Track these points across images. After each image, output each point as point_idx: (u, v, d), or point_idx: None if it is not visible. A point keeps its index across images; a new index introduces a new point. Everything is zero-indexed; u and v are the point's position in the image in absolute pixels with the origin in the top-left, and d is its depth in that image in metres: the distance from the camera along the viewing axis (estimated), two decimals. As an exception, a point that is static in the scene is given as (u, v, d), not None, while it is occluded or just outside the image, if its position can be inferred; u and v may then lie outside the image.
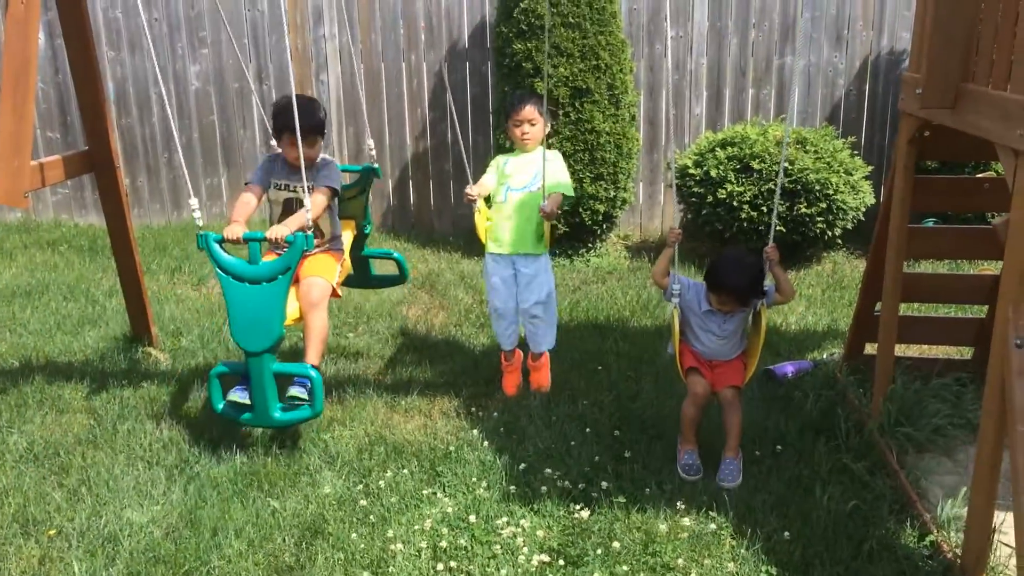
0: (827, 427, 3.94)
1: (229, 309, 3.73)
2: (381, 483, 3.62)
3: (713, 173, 6.33)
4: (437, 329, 5.37)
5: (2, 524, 3.38)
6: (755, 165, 6.24)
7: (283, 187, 4.16)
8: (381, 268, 5.08)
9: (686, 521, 3.34)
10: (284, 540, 3.27)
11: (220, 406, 3.83)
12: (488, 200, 4.44)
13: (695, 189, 6.45)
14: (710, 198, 6.35)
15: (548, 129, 4.36)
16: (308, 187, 3.85)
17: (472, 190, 4.25)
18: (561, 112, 6.40)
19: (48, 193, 7.89)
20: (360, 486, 3.62)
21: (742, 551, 3.17)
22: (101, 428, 4.09)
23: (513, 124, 4.29)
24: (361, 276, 4.88)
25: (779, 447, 3.84)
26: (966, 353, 4.59)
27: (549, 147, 4.37)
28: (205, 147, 7.73)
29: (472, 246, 7.18)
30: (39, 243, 7.18)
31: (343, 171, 4.60)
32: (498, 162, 4.42)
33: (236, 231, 3.78)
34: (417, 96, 7.51)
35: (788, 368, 4.58)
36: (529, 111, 4.25)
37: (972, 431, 3.75)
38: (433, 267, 6.66)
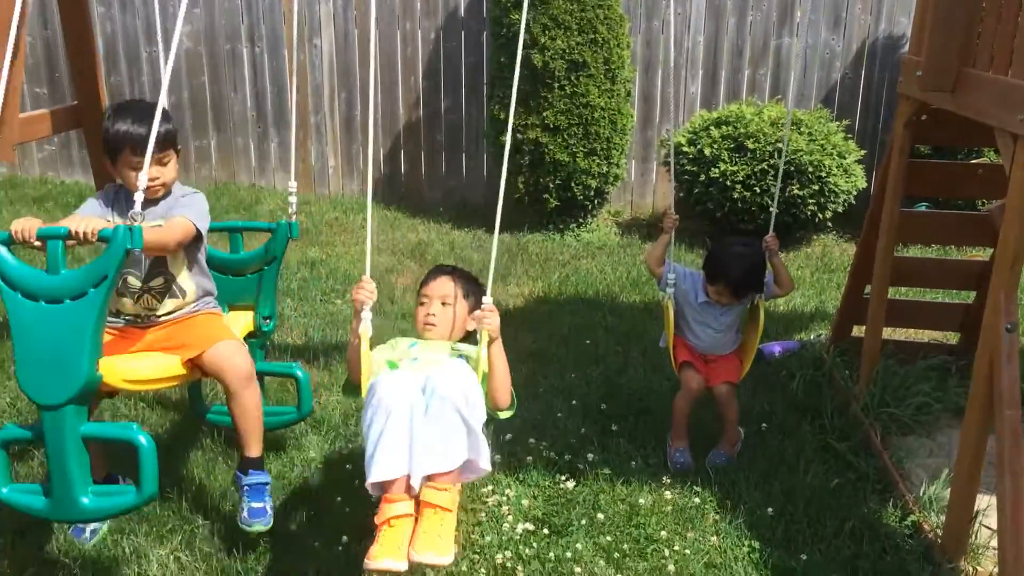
0: (812, 407, 3.96)
1: (14, 340, 2.46)
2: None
3: (707, 152, 6.32)
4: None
5: (-16, 478, 3.35)
6: (749, 145, 6.23)
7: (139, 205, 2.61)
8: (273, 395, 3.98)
9: (670, 495, 3.36)
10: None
11: (4, 490, 2.57)
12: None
13: (688, 167, 6.44)
14: (703, 177, 6.34)
15: (471, 326, 2.81)
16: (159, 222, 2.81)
17: (368, 284, 2.71)
18: (556, 85, 6.36)
19: (34, 149, 7.79)
20: (346, 451, 3.62)
21: (725, 525, 3.20)
22: (85, 386, 4.06)
23: (418, 299, 2.93)
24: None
25: (764, 425, 3.86)
26: (952, 338, 4.63)
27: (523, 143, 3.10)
28: (194, 109, 7.64)
29: (462, 217, 7.16)
30: (24, 199, 7.10)
31: (245, 228, 3.57)
32: (396, 344, 2.87)
33: (29, 224, 2.53)
34: (411, 64, 7.44)
35: (775, 348, 4.60)
36: (439, 286, 2.87)
37: (956, 414, 3.78)
38: (423, 237, 6.64)
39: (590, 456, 3.58)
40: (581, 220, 6.90)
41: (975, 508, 2.98)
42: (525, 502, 3.30)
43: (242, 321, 3.30)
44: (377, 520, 2.36)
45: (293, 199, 3.46)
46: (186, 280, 3.00)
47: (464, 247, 6.35)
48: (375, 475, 2.36)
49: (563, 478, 3.45)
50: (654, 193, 7.58)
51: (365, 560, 2.30)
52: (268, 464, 3.49)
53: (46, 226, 2.53)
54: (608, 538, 3.09)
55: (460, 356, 2.71)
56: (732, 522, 3.21)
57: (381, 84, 7.48)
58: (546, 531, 3.13)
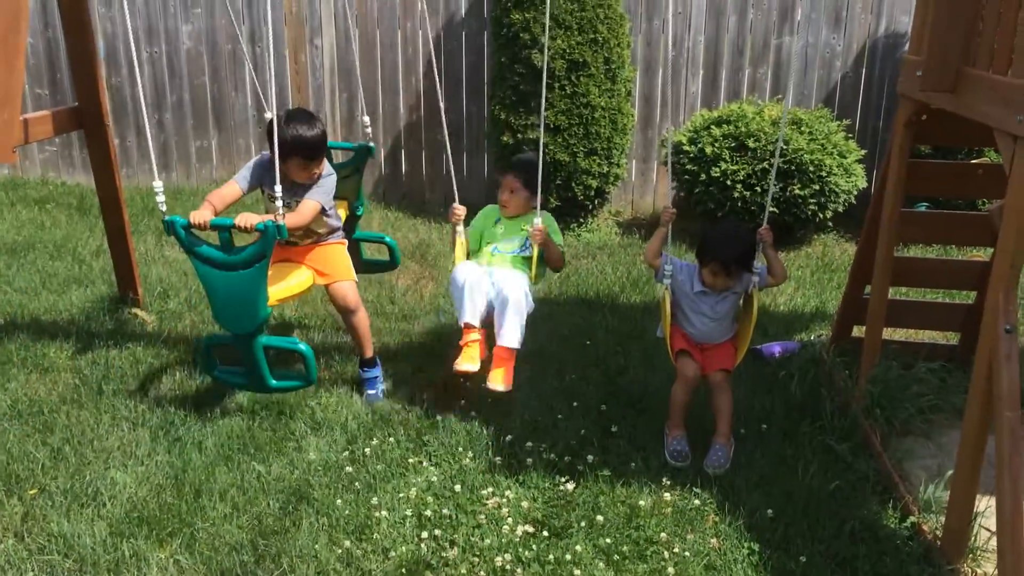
0: (812, 408, 3.95)
1: (208, 295, 3.64)
2: (367, 450, 3.63)
3: (707, 151, 6.31)
4: (426, 299, 5.36)
5: (-15, 481, 3.37)
6: (750, 144, 6.23)
7: (290, 207, 3.79)
8: (371, 252, 4.95)
9: (670, 496, 3.36)
10: (269, 504, 3.27)
11: (216, 371, 3.82)
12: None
13: (688, 167, 6.43)
14: (703, 176, 6.33)
15: (535, 202, 4.01)
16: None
17: (460, 209, 4.12)
18: (557, 85, 6.36)
19: (36, 151, 7.80)
20: (346, 453, 3.62)
21: (725, 527, 3.19)
22: (86, 388, 4.07)
23: (499, 189, 4.20)
24: (352, 260, 4.52)
25: (764, 426, 3.86)
26: (952, 338, 4.62)
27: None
28: (196, 109, 7.65)
29: (464, 218, 7.14)
30: (26, 200, 7.10)
31: (336, 148, 4.56)
32: (487, 214, 4.26)
33: (204, 215, 3.55)
34: (412, 64, 7.44)
35: (775, 348, 4.59)
36: (510, 181, 4.14)
37: (956, 415, 3.77)
38: (424, 237, 6.63)
39: (590, 458, 3.58)
40: (582, 220, 6.90)
41: (975, 510, 2.98)
42: (525, 504, 3.30)
43: (341, 210, 4.34)
44: (461, 343, 3.80)
45: (368, 128, 4.48)
46: (320, 225, 4.05)
47: (465, 247, 6.34)
48: (464, 318, 3.81)
49: (563, 480, 3.45)
50: (655, 193, 7.58)
51: (454, 365, 3.73)
52: (268, 463, 3.51)
53: (217, 217, 3.58)
54: (608, 540, 3.09)
55: (525, 241, 4.04)
56: (732, 524, 3.21)
57: (382, 84, 7.47)
58: (546, 533, 3.13)
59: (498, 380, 3.71)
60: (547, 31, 4.18)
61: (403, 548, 3.05)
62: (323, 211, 3.94)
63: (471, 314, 3.81)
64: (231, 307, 3.60)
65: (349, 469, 3.49)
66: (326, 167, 3.98)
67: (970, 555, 2.99)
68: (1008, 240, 2.75)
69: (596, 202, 6.90)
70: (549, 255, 4.01)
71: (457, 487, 3.37)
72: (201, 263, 3.56)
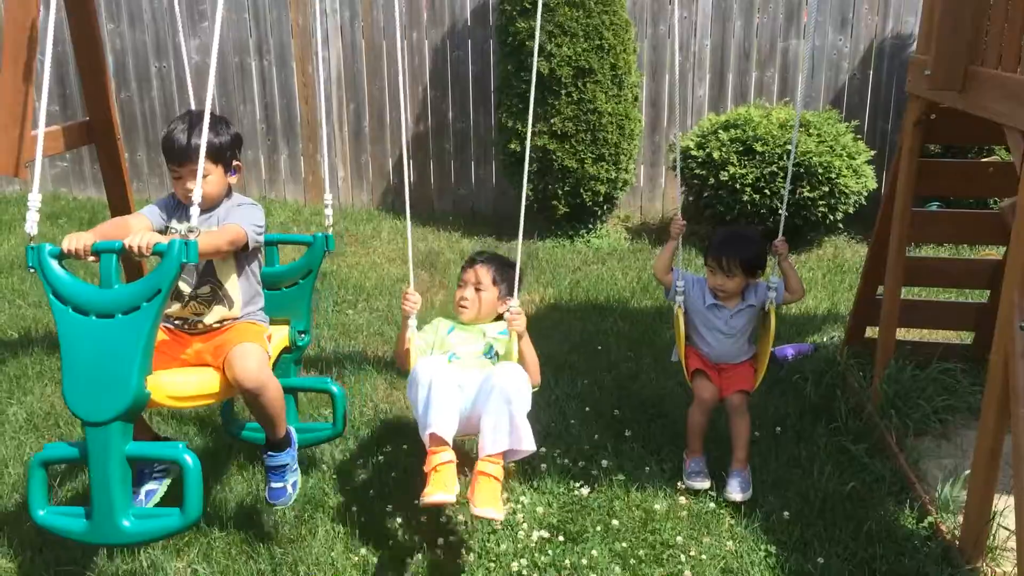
0: (827, 409, 3.94)
1: (63, 355, 2.47)
2: (381, 458, 3.63)
3: (715, 155, 6.31)
4: (437, 308, 5.36)
5: (2, 493, 3.39)
6: (758, 148, 6.22)
7: (178, 232, 2.70)
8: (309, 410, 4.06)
9: (685, 500, 3.35)
10: (285, 512, 3.27)
11: (41, 512, 2.53)
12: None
13: (697, 171, 6.43)
14: (712, 180, 6.33)
15: (504, 307, 3.20)
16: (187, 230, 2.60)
17: (413, 296, 3.14)
18: (563, 92, 6.37)
19: (47, 166, 7.85)
20: (360, 460, 3.62)
21: (741, 530, 3.18)
22: (100, 400, 4.08)
23: (459, 284, 3.33)
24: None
25: (779, 428, 3.84)
26: (966, 338, 4.60)
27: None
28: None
29: (472, 225, 7.18)
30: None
31: (283, 241, 3.63)
32: (436, 326, 3.32)
33: (83, 239, 2.57)
34: (418, 74, 7.47)
35: (788, 351, 4.58)
36: (478, 272, 3.25)
37: (971, 414, 3.76)
38: (433, 246, 6.65)
39: (604, 463, 3.58)
40: (591, 226, 6.90)
41: (992, 509, 2.96)
42: (540, 509, 3.29)
43: (277, 335, 3.25)
44: (426, 468, 2.78)
45: (329, 211, 3.45)
46: (234, 288, 2.99)
47: (474, 255, 6.35)
48: (431, 428, 2.79)
49: (577, 485, 3.44)
50: (663, 197, 7.58)
51: (421, 497, 2.73)
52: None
53: (101, 240, 2.55)
54: (623, 544, 3.09)
55: (490, 347, 3.17)
56: (748, 526, 3.20)
57: (388, 94, 7.50)
58: (561, 538, 3.13)
59: (491, 502, 2.71)
60: (536, 38, 4.12)
61: (419, 555, 3.05)
62: (246, 249, 2.93)
63: (441, 423, 2.79)
64: (93, 373, 2.42)
65: (363, 477, 3.50)
66: (242, 197, 3.09)
67: (989, 554, 2.97)
68: (1021, 237, 2.74)
69: (605, 208, 6.91)
70: (524, 356, 3.05)
71: (511, 468, 3.35)
72: (64, 306, 2.50)
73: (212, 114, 2.75)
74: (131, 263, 2.79)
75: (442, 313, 3.57)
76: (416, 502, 3.05)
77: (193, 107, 2.70)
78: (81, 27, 4.27)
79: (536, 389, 3.07)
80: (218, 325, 2.99)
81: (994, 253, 5.42)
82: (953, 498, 3.24)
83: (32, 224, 2.71)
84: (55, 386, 4.23)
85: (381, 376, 4.36)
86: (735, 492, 3.37)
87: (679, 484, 3.44)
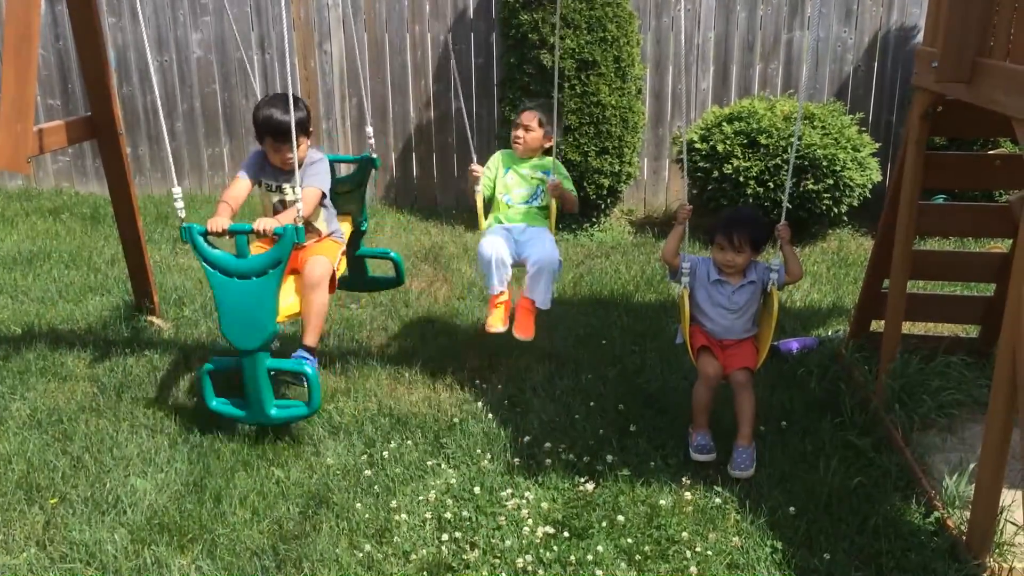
0: (832, 404, 3.93)
1: (218, 305, 3.56)
2: (385, 454, 3.62)
3: (719, 148, 6.29)
4: (440, 302, 5.35)
5: (6, 490, 3.38)
6: (762, 140, 6.19)
7: (272, 188, 3.98)
8: (376, 269, 4.93)
9: (691, 495, 3.34)
10: (288, 509, 3.27)
11: (213, 403, 3.70)
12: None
13: (701, 164, 6.40)
14: (716, 173, 6.31)
15: (551, 142, 4.27)
16: (297, 189, 3.68)
17: (477, 168, 4.22)
18: (567, 85, 6.35)
19: (49, 161, 7.84)
20: (364, 456, 3.62)
21: (747, 525, 3.17)
22: (104, 396, 4.08)
23: (513, 126, 4.32)
24: (356, 277, 4.67)
25: (784, 423, 3.83)
26: (972, 331, 4.58)
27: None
28: (207, 116, 7.67)
29: (475, 220, 7.14)
30: (40, 211, 7.14)
31: (338, 161, 4.43)
32: (497, 164, 4.35)
33: (221, 223, 3.57)
34: (421, 67, 7.44)
35: (793, 344, 4.56)
36: (527, 116, 4.25)
37: (978, 408, 3.74)
38: (436, 240, 6.63)
39: (609, 458, 3.57)
40: (594, 219, 6.88)
41: (1000, 504, 2.94)
42: (545, 505, 3.28)
43: (345, 225, 4.33)
44: (490, 305, 4.09)
45: (371, 140, 4.45)
46: (320, 222, 4.03)
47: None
48: (492, 289, 4.05)
49: (582, 480, 3.43)
50: (667, 191, 7.55)
51: (485, 326, 4.05)
52: (287, 468, 3.51)
53: (235, 223, 3.57)
54: (629, 540, 3.08)
55: (535, 192, 4.25)
56: (754, 522, 3.19)
57: (392, 88, 7.48)
58: (566, 534, 3.12)
59: (523, 330, 4.03)
60: (557, 31, 4.16)
61: (423, 551, 3.05)
62: (322, 198, 3.94)
63: (498, 283, 4.03)
64: (240, 318, 3.51)
65: (368, 473, 3.49)
66: (313, 154, 3.97)
67: (996, 549, 2.96)
68: (1029, 230, 2.72)
69: (609, 201, 6.88)
70: (564, 204, 4.21)
71: (476, 489, 3.36)
72: (214, 271, 3.52)
73: (293, 95, 3.71)
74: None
75: (447, 309, 4.52)
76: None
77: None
78: (82, 22, 4.26)
79: (576, 210, 4.34)
80: (309, 242, 3.91)
81: (1001, 246, 5.40)
82: (960, 493, 3.23)
83: (181, 210, 3.65)
84: (59, 382, 4.22)
85: (385, 371, 4.35)
86: (739, 468, 3.44)
87: (684, 479, 3.43)
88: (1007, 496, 2.99)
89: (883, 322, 4.08)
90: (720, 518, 3.22)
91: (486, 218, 4.30)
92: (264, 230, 3.54)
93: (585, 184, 6.54)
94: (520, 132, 4.24)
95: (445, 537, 3.10)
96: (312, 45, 7.44)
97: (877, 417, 3.80)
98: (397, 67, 7.44)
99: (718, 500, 3.31)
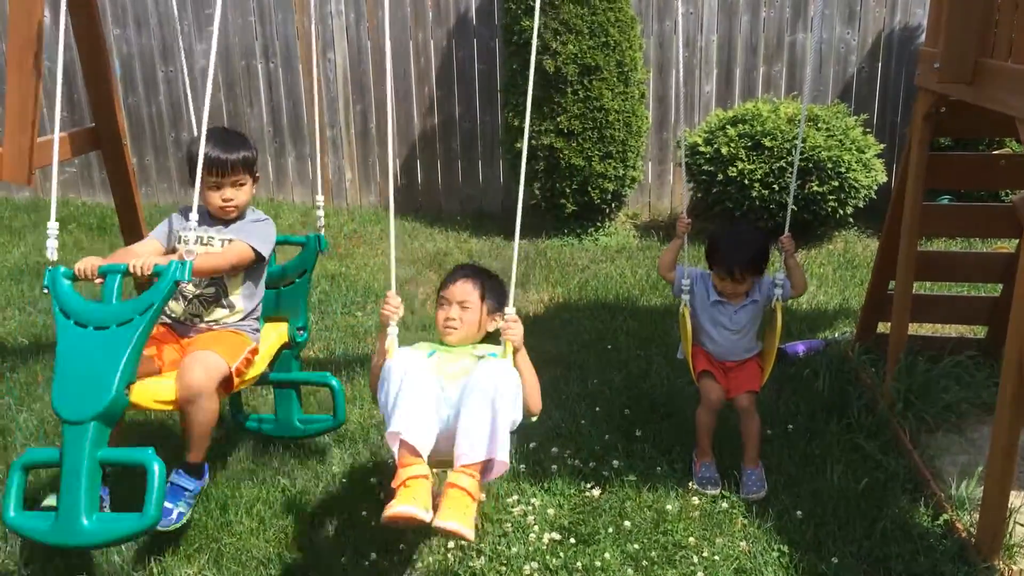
0: (839, 406, 3.91)
1: (57, 364, 2.63)
2: (390, 461, 3.61)
3: (724, 151, 6.28)
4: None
5: (13, 501, 3.38)
6: (766, 143, 6.18)
7: (201, 241, 3.16)
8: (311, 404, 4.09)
9: (697, 500, 3.32)
10: (295, 518, 3.27)
11: (11, 514, 2.57)
12: None
13: (705, 167, 6.40)
14: (720, 176, 6.30)
15: (494, 325, 2.87)
16: (225, 240, 3.09)
17: (393, 300, 2.71)
18: (569, 90, 6.34)
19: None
20: (370, 464, 3.61)
21: (754, 530, 3.16)
22: (110, 406, 4.08)
23: (438, 303, 2.94)
24: (283, 413, 3.59)
25: (791, 426, 3.81)
26: (979, 332, 4.56)
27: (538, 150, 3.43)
28: (212, 126, 7.68)
29: (480, 225, 7.16)
30: (47, 222, 7.15)
31: (278, 242, 3.42)
32: (419, 349, 2.81)
33: (90, 262, 2.83)
34: (424, 73, 7.45)
35: (799, 347, 4.55)
36: (461, 290, 2.87)
37: (986, 410, 3.72)
38: (441, 246, 6.64)
39: (615, 463, 3.55)
40: (599, 224, 6.88)
41: (1009, 506, 2.93)
42: (551, 511, 3.27)
43: (275, 333, 3.43)
44: (394, 484, 2.39)
45: (320, 212, 3.62)
46: (237, 297, 3.19)
47: (483, 255, 6.34)
48: (400, 432, 2.40)
49: (588, 486, 3.42)
50: (671, 194, 7.54)
51: (383, 514, 2.33)
52: (293, 476, 3.51)
53: (106, 263, 2.83)
54: (636, 546, 3.07)
55: (480, 356, 2.77)
56: (761, 526, 3.17)
57: (395, 94, 7.49)
58: (573, 540, 3.10)
59: (458, 516, 2.32)
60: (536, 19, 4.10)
61: (430, 559, 3.04)
62: (258, 259, 3.17)
63: (413, 428, 2.42)
64: (80, 377, 2.58)
65: (373, 480, 3.49)
66: (258, 213, 3.32)
67: (1005, 552, 2.94)
68: (1034, 230, 2.70)
69: (613, 205, 6.88)
70: (522, 374, 2.63)
71: (482, 496, 3.34)
72: (67, 320, 2.68)
73: (237, 131, 3.24)
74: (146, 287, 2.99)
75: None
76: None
77: (204, 111, 2.80)
78: (85, 32, 4.27)
79: (535, 419, 2.75)
80: (215, 325, 3.16)
81: (1007, 247, 5.37)
82: (968, 495, 3.21)
83: (52, 251, 2.90)
84: (65, 392, 4.22)
85: (390, 378, 4.34)
86: (751, 492, 3.37)
87: (691, 484, 3.42)
88: (1016, 498, 2.97)
89: (889, 324, 4.06)
90: (727, 523, 3.21)
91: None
92: (140, 269, 2.77)
93: (589, 189, 6.53)
94: (453, 311, 2.84)
95: (451, 544, 3.09)
96: (316, 53, 7.46)
97: (884, 419, 3.78)
98: (400, 74, 7.46)
99: (725, 505, 3.30)
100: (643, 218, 7.44)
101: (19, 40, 3.66)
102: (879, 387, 3.99)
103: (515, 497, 3.35)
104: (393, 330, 2.68)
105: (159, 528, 2.79)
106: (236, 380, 2.99)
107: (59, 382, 2.59)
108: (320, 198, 3.64)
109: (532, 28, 6.31)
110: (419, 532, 3.16)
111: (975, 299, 4.66)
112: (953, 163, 4.17)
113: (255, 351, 3.16)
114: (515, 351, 2.63)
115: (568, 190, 6.54)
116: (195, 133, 3.27)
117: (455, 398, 2.55)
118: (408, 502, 2.31)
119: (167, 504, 2.88)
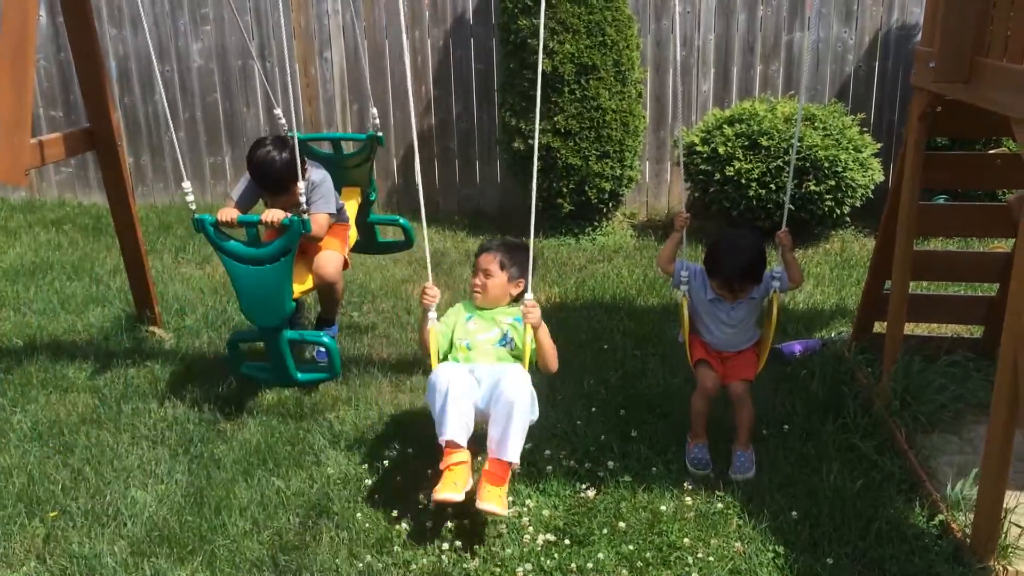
0: (835, 406, 3.90)
1: (237, 291, 3.79)
2: (386, 462, 3.61)
3: (721, 150, 6.27)
4: (442, 309, 5.32)
5: (6, 503, 3.38)
6: (763, 142, 6.18)
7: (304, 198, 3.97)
8: (387, 234, 5.20)
9: (692, 501, 3.32)
10: (289, 519, 3.26)
11: (243, 368, 4.04)
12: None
13: (702, 167, 6.39)
14: (718, 176, 6.29)
15: (520, 288, 3.50)
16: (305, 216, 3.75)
17: (432, 290, 3.43)
18: (566, 89, 6.33)
19: (52, 172, 7.86)
20: (365, 466, 3.61)
21: (749, 530, 3.15)
22: (105, 407, 4.08)
23: (472, 272, 3.62)
24: (367, 242, 4.93)
25: (786, 426, 3.81)
26: (975, 332, 4.56)
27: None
28: (208, 125, 7.68)
29: (477, 224, 7.15)
30: (43, 222, 7.16)
31: (344, 138, 4.76)
32: (458, 311, 3.57)
33: (230, 213, 3.80)
34: (421, 73, 7.44)
35: (796, 347, 4.54)
36: (485, 260, 3.51)
37: (982, 410, 3.71)
38: (439, 246, 6.62)
39: (610, 464, 3.55)
40: (596, 223, 6.86)
41: (1004, 506, 2.92)
42: (546, 512, 3.27)
43: (353, 197, 4.63)
44: (441, 466, 3.11)
45: (376, 120, 4.62)
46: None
47: (479, 255, 6.33)
48: (446, 434, 3.12)
49: (584, 487, 3.41)
50: (669, 194, 7.53)
51: (432, 494, 3.07)
52: (287, 478, 3.50)
53: (244, 215, 3.79)
54: (631, 547, 3.06)
55: (505, 335, 3.43)
56: (756, 527, 3.16)
57: (392, 94, 7.48)
58: (567, 541, 3.10)
59: (494, 499, 3.00)
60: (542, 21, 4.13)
61: (424, 560, 3.03)
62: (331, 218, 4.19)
63: (456, 429, 3.10)
64: (258, 301, 3.75)
65: (368, 482, 3.48)
66: (314, 173, 4.13)
67: (1001, 552, 2.93)
68: (1029, 230, 2.70)
69: (610, 205, 6.87)
70: (542, 345, 3.33)
71: (516, 466, 3.32)
72: (229, 259, 3.71)
73: (279, 137, 4.13)
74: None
75: (444, 311, 3.62)
76: (424, 500, 3.33)
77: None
78: (78, 33, 4.26)
79: (553, 372, 3.51)
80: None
81: (1003, 246, 5.37)
82: (964, 495, 3.20)
83: (192, 204, 3.82)
84: (60, 394, 4.22)
85: (387, 379, 4.34)
86: (739, 472, 3.47)
87: (686, 485, 3.41)
88: (1011, 498, 2.97)
89: (886, 323, 4.06)
90: (722, 523, 3.20)
91: (440, 358, 3.42)
92: (272, 221, 3.70)
93: (586, 189, 6.52)
94: (479, 279, 3.50)
95: (445, 546, 3.08)
96: (313, 52, 7.45)
97: (880, 419, 3.77)
98: (397, 73, 7.44)
99: (720, 505, 3.29)
100: (640, 218, 7.43)
101: (12, 39, 3.65)
102: (875, 387, 3.98)
103: (510, 498, 3.34)
104: (432, 314, 3.42)
105: (330, 336, 4.03)
106: (347, 257, 4.33)
107: (245, 303, 3.78)
108: (374, 110, 4.71)
109: (528, 28, 6.30)
110: (413, 534, 3.17)
111: (971, 299, 4.65)
112: (949, 162, 4.16)
113: (348, 227, 4.44)
114: (535, 328, 3.27)
115: (565, 190, 6.53)
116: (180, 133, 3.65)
117: (485, 380, 3.26)
118: (450, 489, 3.02)
119: (326, 336, 4.01)
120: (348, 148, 4.83)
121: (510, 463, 3.10)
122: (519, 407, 3.08)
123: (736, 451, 3.53)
